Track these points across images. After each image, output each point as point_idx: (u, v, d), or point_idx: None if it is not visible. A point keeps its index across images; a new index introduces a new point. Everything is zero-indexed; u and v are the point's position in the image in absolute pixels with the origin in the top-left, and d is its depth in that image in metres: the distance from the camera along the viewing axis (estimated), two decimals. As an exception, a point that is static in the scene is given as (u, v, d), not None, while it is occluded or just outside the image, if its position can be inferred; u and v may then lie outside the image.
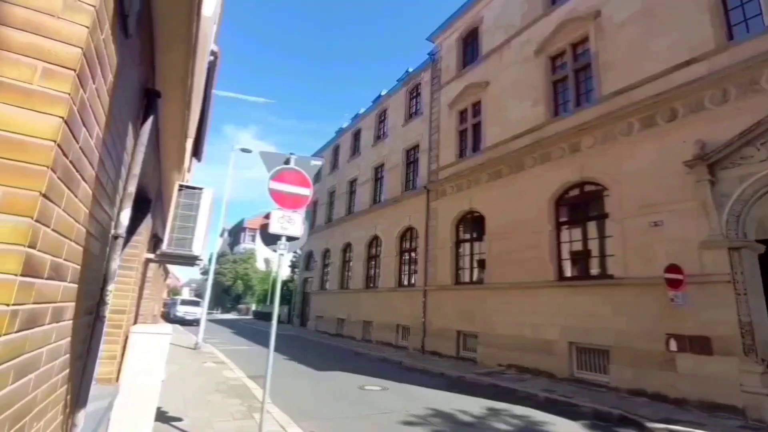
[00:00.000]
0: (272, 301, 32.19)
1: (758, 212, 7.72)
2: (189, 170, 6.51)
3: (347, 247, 23.15)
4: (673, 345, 8.03)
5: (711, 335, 7.56)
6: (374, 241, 20.47)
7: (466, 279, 14.12)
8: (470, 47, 16.37)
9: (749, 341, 7.14)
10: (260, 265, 60.42)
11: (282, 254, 4.61)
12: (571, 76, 11.70)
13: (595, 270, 10.27)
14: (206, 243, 4.77)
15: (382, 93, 22.80)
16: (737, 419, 6.81)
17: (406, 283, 17.49)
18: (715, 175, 7.90)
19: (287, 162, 4.71)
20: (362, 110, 25.02)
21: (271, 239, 4.55)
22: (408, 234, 17.90)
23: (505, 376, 10.33)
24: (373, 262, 20.35)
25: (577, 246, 10.76)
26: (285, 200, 4.54)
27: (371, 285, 20.01)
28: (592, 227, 10.49)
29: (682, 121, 8.70)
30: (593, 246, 10.36)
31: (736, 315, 7.29)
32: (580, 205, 10.98)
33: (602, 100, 10.44)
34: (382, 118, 22.50)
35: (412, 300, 15.94)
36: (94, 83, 1.53)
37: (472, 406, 7.46)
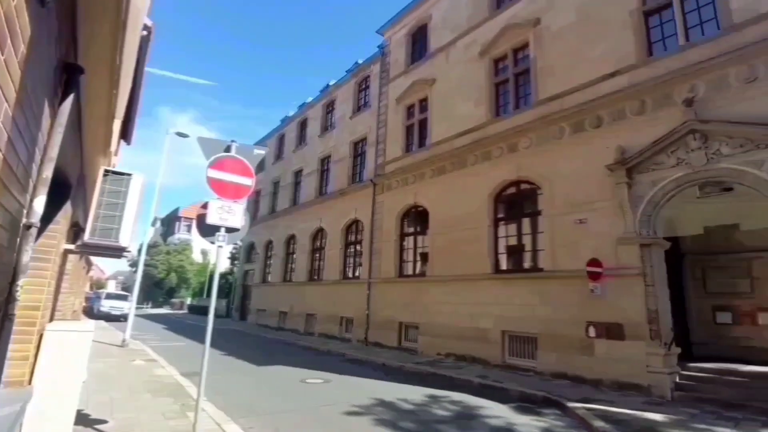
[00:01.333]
0: (209, 295, 30.82)
1: (666, 213, 8.69)
2: (116, 154, 6.00)
3: (291, 239, 22.68)
4: (592, 331, 8.84)
5: (624, 322, 8.42)
6: (319, 234, 20.24)
7: (410, 272, 14.46)
8: (419, 44, 16.61)
9: (655, 327, 8.05)
10: (197, 257, 57.34)
11: (221, 246, 4.41)
12: (511, 79, 12.29)
13: (527, 263, 10.99)
14: (135, 233, 4.45)
15: (330, 83, 22.46)
16: (643, 396, 7.67)
17: (350, 275, 17.53)
18: (632, 179, 8.74)
19: (228, 150, 4.50)
20: (309, 99, 24.48)
21: (208, 230, 4.33)
22: (354, 227, 17.91)
23: (444, 365, 10.77)
24: (318, 255, 20.14)
25: (513, 241, 11.44)
26: (225, 189, 4.34)
27: (315, 277, 19.81)
28: (526, 223, 11.18)
29: (606, 128, 9.50)
30: (527, 241, 11.07)
31: (645, 304, 8.19)
32: (516, 202, 11.65)
33: (538, 104, 11.11)
34: (329, 109, 22.18)
35: (357, 292, 16.03)
36: (2, 55, 1.36)
37: (413, 394, 7.70)
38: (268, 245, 25.18)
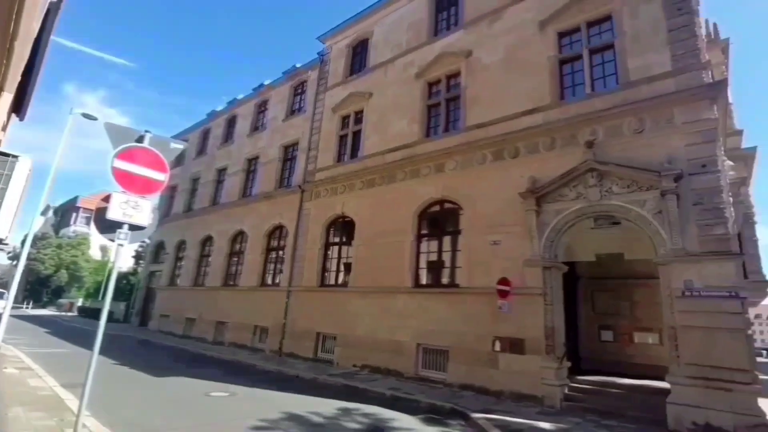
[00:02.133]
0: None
1: (566, 240, 9.68)
2: (4, 129, 5.19)
3: (207, 241, 21.24)
4: (498, 346, 9.47)
5: (525, 337, 9.14)
6: (239, 237, 19.24)
7: (332, 281, 14.32)
8: (359, 56, 16.82)
9: (551, 343, 8.85)
10: (95, 253, 51.13)
11: (121, 245, 3.97)
12: (443, 103, 12.95)
13: (445, 279, 11.49)
14: (17, 222, 3.86)
15: (265, 83, 21.74)
16: (537, 406, 8.35)
17: (270, 282, 16.86)
18: (540, 207, 9.63)
19: (140, 140, 4.10)
20: (241, 96, 23.42)
21: (108, 226, 3.87)
22: (277, 232, 17.32)
23: (359, 377, 10.75)
24: (236, 259, 19.09)
25: (433, 257, 11.90)
26: (132, 183, 3.92)
27: (231, 282, 18.71)
28: (447, 241, 11.72)
29: (522, 159, 10.39)
30: (446, 258, 11.59)
31: (544, 321, 8.99)
32: (439, 220, 12.18)
33: (466, 129, 11.83)
34: (262, 109, 21.41)
35: (275, 300, 15.44)
36: None
37: (325, 407, 7.56)
38: (181, 245, 23.30)
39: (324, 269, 14.57)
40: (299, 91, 19.37)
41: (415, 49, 14.25)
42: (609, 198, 8.76)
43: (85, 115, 14.25)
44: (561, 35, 10.78)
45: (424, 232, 12.30)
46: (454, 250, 11.41)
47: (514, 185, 10.06)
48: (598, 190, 8.89)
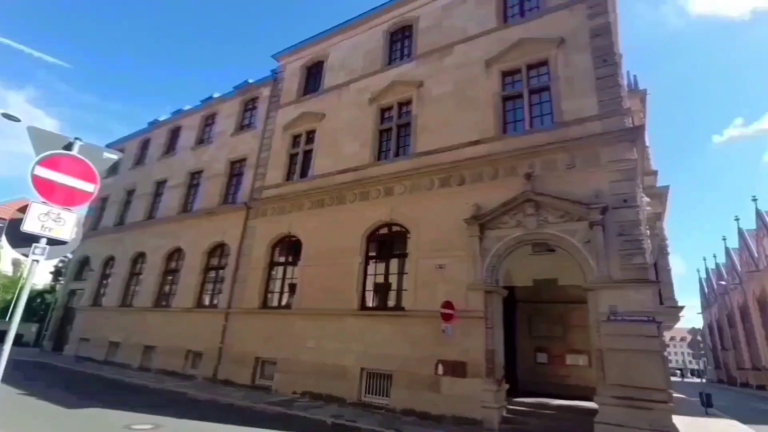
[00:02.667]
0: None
1: (507, 265, 10.14)
2: None
3: (140, 257, 19.69)
4: (441, 369, 9.56)
5: (467, 360, 9.33)
6: (176, 254, 18.07)
7: (275, 303, 13.80)
8: (313, 77, 16.92)
9: (490, 365, 9.10)
10: (5, 267, 45.37)
11: (37, 261, 3.57)
12: (394, 129, 13.31)
13: (392, 302, 11.51)
14: None
15: (215, 95, 21.11)
16: (477, 429, 8.46)
17: (207, 303, 15.89)
18: (483, 233, 10.05)
19: (69, 147, 3.77)
20: (188, 107, 22.50)
21: (23, 239, 3.47)
22: (219, 250, 16.49)
23: (299, 404, 10.31)
24: (171, 278, 17.85)
25: (380, 279, 11.92)
26: (55, 193, 3.56)
27: (164, 303, 17.37)
28: (394, 263, 11.81)
29: (467, 187, 10.86)
30: (393, 280, 11.66)
31: (484, 345, 9.25)
32: (387, 243, 12.29)
33: (415, 155, 12.19)
34: (209, 122, 20.67)
35: (211, 323, 14.55)
36: None
37: (259, 438, 7.12)
38: (108, 262, 21.39)
39: (267, 290, 14.04)
40: (250, 106, 19.00)
41: (369, 75, 14.62)
42: (545, 227, 9.36)
43: (6, 115, 12.94)
44: (504, 74, 11.60)
45: (372, 254, 12.33)
46: (400, 272, 11.52)
47: (460, 211, 10.45)
48: (535, 219, 9.47)
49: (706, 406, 14.19)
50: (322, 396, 11.01)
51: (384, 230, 12.32)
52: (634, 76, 16.66)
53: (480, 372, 9.08)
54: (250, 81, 19.29)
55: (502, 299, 10.06)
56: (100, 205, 23.75)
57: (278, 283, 14.04)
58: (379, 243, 12.45)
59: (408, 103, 13.30)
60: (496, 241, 9.88)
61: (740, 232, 41.07)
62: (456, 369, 9.41)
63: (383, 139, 13.63)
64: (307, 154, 15.25)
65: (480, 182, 10.70)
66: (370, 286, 11.98)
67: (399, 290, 11.40)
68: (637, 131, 9.32)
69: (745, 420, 12.40)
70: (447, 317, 9.55)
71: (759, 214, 35.37)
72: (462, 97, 11.98)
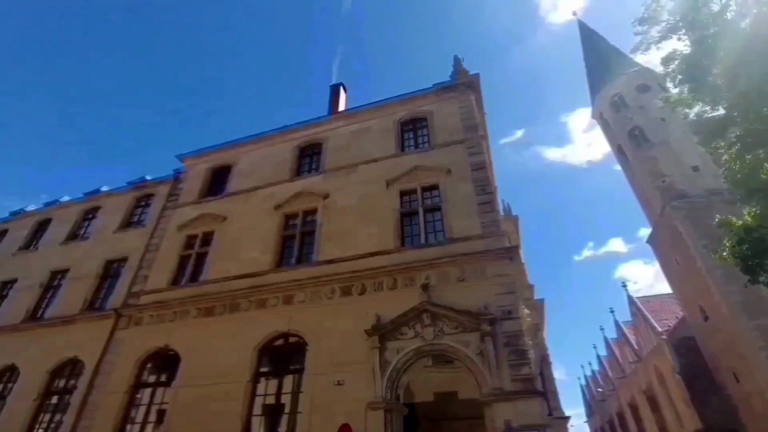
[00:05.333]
0: None
1: (406, 379, 9.87)
2: None
3: (-52, 381, 15.00)
4: None
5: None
6: (7, 374, 14.21)
7: (134, 438, 11.18)
8: (219, 180, 16.77)
9: (390, 501, 8.13)
10: None
11: None
12: (298, 236, 13.36)
13: (282, 428, 10.10)
14: None
15: (102, 188, 19.43)
16: None
17: (37, 442, 12.24)
18: (384, 345, 9.87)
19: None
20: (65, 198, 20.16)
21: None
22: (68, 369, 13.40)
23: None
24: (-9, 409, 13.67)
25: (271, 399, 10.58)
26: None
27: (-32, 447, 12.94)
28: (288, 381, 10.69)
29: (368, 296, 10.92)
30: (286, 400, 10.41)
31: (384, 475, 8.36)
32: (283, 357, 11.27)
33: (317, 263, 12.15)
34: (89, 216, 18.56)
35: (38, 471, 11.06)
36: None
37: None
38: None
39: (125, 420, 11.42)
40: (143, 203, 17.73)
41: (277, 183, 15.01)
42: (441, 338, 9.58)
43: None
44: (402, 193, 12.84)
45: (263, 369, 11.10)
46: (295, 392, 10.41)
47: (361, 321, 10.26)
48: (432, 329, 9.69)
49: None
50: None
51: (280, 341, 11.39)
52: (508, 204, 19.69)
53: None
54: (148, 177, 18.35)
55: (402, 418, 9.53)
56: None
57: (142, 411, 11.58)
58: (274, 357, 11.37)
59: (313, 212, 13.67)
60: (395, 353, 9.72)
61: (606, 341, 46.56)
62: None
63: (286, 245, 13.47)
64: (201, 257, 14.22)
65: (381, 292, 10.87)
66: (258, 409, 10.51)
67: (293, 413, 10.14)
68: (514, 250, 10.68)
69: None
70: (344, 444, 8.62)
71: (618, 325, 40.88)
72: (365, 211, 12.75)
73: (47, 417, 12.74)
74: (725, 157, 11.24)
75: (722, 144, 11.42)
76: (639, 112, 30.11)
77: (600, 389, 49.34)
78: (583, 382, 60.20)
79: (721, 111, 11.92)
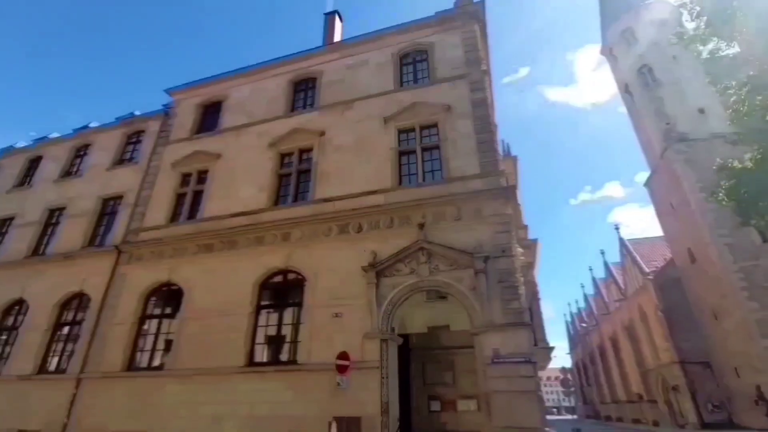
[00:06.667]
0: None
1: (401, 312, 10.30)
2: None
3: (-40, 313, 15.58)
4: (334, 428, 8.95)
5: (362, 415, 8.92)
6: (16, 307, 14.75)
7: (144, 363, 11.86)
8: (210, 116, 16.23)
9: (386, 419, 8.84)
10: None
11: None
12: (294, 174, 13.20)
13: (284, 355, 10.71)
14: None
15: (91, 124, 18.85)
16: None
17: (53, 368, 12.99)
18: (380, 281, 10.17)
19: None
20: (55, 134, 19.61)
21: None
22: (75, 302, 13.89)
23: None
24: (5, 337, 14.37)
25: (273, 330, 11.11)
26: None
27: (-11, 371, 13.74)
28: (289, 313, 11.16)
29: (365, 234, 11.04)
30: (288, 331, 10.94)
31: (380, 396, 9.01)
32: (282, 292, 11.66)
33: (314, 202, 12.14)
34: (81, 153, 18.18)
35: (56, 393, 11.83)
36: None
37: None
38: None
39: (135, 348, 12.06)
40: (134, 140, 17.29)
41: (270, 120, 14.55)
42: (436, 274, 9.85)
43: None
44: (400, 131, 12.50)
45: (264, 303, 11.53)
46: (296, 323, 10.89)
47: (358, 259, 10.49)
48: (427, 266, 9.94)
49: (577, 441, 15.62)
50: (195, 473, 9.46)
51: (279, 278, 11.71)
52: (508, 144, 19.35)
53: (375, 426, 8.74)
54: (137, 113, 17.73)
55: (397, 347, 10.07)
56: None
57: (150, 340, 12.19)
58: (274, 291, 11.76)
59: (309, 150, 13.40)
60: (391, 288, 10.05)
61: (594, 281, 48.43)
62: (350, 426, 8.91)
63: (282, 184, 13.36)
64: (197, 195, 14.16)
65: (377, 230, 10.97)
66: (261, 338, 11.07)
67: (294, 342, 10.70)
68: (511, 190, 10.64)
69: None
70: (342, 369, 9.16)
71: (606, 266, 42.28)
72: (362, 149, 12.50)
73: (59, 346, 13.41)
74: (734, 98, 10.89)
75: (733, 84, 11.01)
76: (650, 48, 28.69)
77: (584, 324, 52.16)
78: (569, 319, 63.57)
79: (737, 48, 11.35)
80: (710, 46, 11.71)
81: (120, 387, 11.39)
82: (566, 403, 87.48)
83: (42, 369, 12.96)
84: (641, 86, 29.28)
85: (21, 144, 20.58)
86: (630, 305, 34.16)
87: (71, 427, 11.26)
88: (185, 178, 14.76)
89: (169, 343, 11.79)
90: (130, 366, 11.79)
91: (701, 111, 25.63)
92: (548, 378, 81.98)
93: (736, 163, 11.01)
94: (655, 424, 30.40)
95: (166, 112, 16.85)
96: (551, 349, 17.37)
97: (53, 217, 16.58)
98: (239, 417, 9.80)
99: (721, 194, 11.21)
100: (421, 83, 13.36)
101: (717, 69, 12.01)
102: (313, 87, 15.01)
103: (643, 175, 32.35)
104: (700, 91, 24.43)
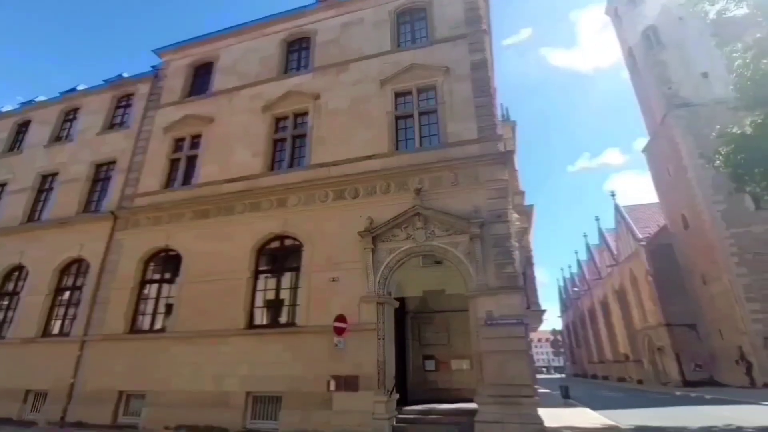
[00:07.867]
0: None
1: (397, 276, 10.46)
2: None
3: (-40, 278, 15.69)
4: (332, 385, 9.34)
5: (359, 374, 9.27)
6: (16, 273, 14.85)
7: (146, 326, 12.12)
8: (201, 78, 15.73)
9: (382, 377, 9.19)
10: None
11: None
12: (289, 139, 12.98)
13: (283, 318, 10.97)
14: None
15: (79, 87, 18.27)
16: (366, 444, 8.39)
17: (56, 331, 13.27)
18: (376, 246, 10.25)
19: None
20: (41, 98, 19.04)
21: None
22: (74, 267, 13.99)
23: (171, 440, 9.09)
24: (6, 302, 14.57)
25: (271, 295, 11.31)
26: None
27: (-7, 334, 14.04)
28: (287, 278, 11.33)
29: (361, 200, 11.01)
30: (286, 295, 11.14)
31: (377, 356, 9.32)
32: (280, 257, 11.77)
33: (310, 167, 12.01)
34: (70, 117, 17.72)
35: (62, 354, 12.15)
36: None
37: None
38: None
39: (136, 312, 12.28)
40: (123, 103, 16.82)
41: (263, 82, 14.11)
42: (432, 239, 9.93)
43: None
44: (397, 95, 12.20)
45: (262, 268, 11.66)
46: (293, 287, 11.07)
47: (354, 224, 10.52)
48: (423, 232, 10.00)
49: (565, 397, 16.34)
50: (200, 428, 9.89)
51: (276, 243, 11.78)
52: (506, 108, 18.99)
53: (372, 384, 9.10)
54: (125, 75, 17.16)
55: (393, 310, 10.31)
56: None
57: (151, 304, 12.39)
58: (271, 257, 11.86)
59: (304, 114, 13.11)
60: (388, 253, 10.15)
61: (588, 247, 49.15)
62: (348, 383, 9.28)
63: (278, 148, 13.17)
64: (191, 160, 13.96)
65: (374, 196, 10.94)
66: (260, 302, 11.28)
67: (292, 305, 10.92)
68: (509, 155, 10.55)
69: (594, 407, 14.56)
70: (340, 331, 9.44)
71: (600, 232, 42.78)
72: (358, 113, 12.23)
73: (62, 311, 13.62)
74: (738, 62, 10.65)
75: (739, 47, 10.73)
76: (656, 9, 27.71)
77: (576, 288, 53.40)
78: (561, 284, 65.06)
79: (745, 9, 10.97)
80: (718, 5, 11.31)
81: (124, 349, 11.69)
82: (555, 363, 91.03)
83: (46, 332, 13.23)
84: (645, 48, 28.53)
85: (7, 108, 19.99)
86: (621, 270, 34.88)
87: (78, 387, 11.64)
88: (178, 144, 14.50)
89: (170, 307, 12.00)
90: (133, 329, 12.05)
91: (704, 75, 25.14)
92: (539, 339, 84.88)
93: (735, 129, 10.92)
94: (639, 382, 31.86)
95: (156, 74, 16.30)
96: (543, 312, 17.86)
97: (46, 182, 16.38)
98: (240, 376, 10.15)
99: (718, 160, 11.19)
100: (419, 43, 12.90)
101: (724, 31, 11.66)
102: (307, 48, 14.48)
103: (642, 142, 32.14)
104: (704, 55, 23.91)
